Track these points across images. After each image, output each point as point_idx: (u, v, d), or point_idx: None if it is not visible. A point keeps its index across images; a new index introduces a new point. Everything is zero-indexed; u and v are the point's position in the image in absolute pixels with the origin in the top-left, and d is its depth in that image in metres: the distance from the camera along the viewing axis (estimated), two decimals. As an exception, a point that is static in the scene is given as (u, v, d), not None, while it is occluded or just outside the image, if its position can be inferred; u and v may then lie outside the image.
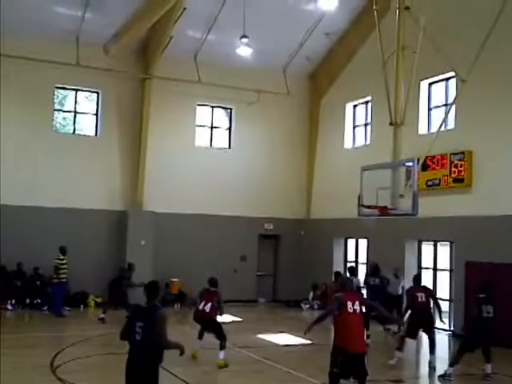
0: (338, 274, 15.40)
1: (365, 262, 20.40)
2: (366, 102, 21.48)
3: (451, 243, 17.44)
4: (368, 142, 21.21)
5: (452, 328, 16.83)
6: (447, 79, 17.77)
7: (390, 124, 13.86)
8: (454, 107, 15.97)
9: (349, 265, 20.09)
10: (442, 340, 16.34)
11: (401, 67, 13.66)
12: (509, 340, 14.28)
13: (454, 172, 16.71)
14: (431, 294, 13.28)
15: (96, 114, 21.37)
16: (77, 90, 21.27)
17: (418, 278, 13.40)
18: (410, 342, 13.46)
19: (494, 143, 15.94)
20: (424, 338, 13.68)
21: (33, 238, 19.22)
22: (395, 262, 17.54)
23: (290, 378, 11.39)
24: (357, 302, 8.31)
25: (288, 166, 23.31)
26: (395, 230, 18.02)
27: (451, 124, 17.32)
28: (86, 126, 21.62)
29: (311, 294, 21.75)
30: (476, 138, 16.36)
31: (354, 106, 22.27)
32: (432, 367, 12.39)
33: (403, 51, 13.71)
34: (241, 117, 22.98)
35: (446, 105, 17.84)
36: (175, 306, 20.21)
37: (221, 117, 23.35)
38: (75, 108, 21.36)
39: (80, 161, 20.47)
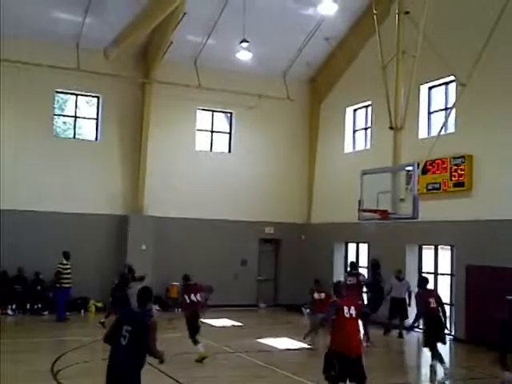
0: (316, 280, 15.34)
1: (366, 266, 20.37)
2: (366, 106, 21.48)
3: (452, 247, 17.43)
4: (368, 146, 21.21)
5: (453, 333, 16.79)
6: (447, 83, 17.77)
7: (390, 128, 13.86)
8: (454, 111, 15.97)
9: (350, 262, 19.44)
10: (445, 345, 16.29)
11: (401, 71, 13.67)
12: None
13: (455, 176, 16.70)
14: (440, 298, 12.53)
15: (96, 119, 21.39)
16: (77, 95, 21.29)
17: (426, 281, 12.73)
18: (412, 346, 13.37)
19: (494, 147, 15.94)
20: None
21: (33, 243, 19.20)
22: (396, 266, 17.50)
23: (291, 382, 11.37)
24: (352, 307, 8.47)
25: (288, 171, 23.31)
26: (396, 234, 18.01)
27: (451, 128, 17.32)
28: (87, 130, 21.65)
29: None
30: (476, 142, 16.36)
31: (354, 110, 22.27)
32: (447, 374, 11.92)
33: (403, 55, 13.73)
34: (241, 121, 23.00)
35: (445, 109, 17.83)
36: (176, 310, 20.14)
37: (221, 121, 23.36)
38: (75, 112, 21.38)
39: (80, 165, 20.47)
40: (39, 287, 19.20)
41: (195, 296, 12.93)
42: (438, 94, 18.50)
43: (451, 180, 16.79)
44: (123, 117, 21.23)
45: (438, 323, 12.04)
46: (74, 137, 21.35)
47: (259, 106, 22.52)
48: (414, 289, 14.35)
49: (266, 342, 15.28)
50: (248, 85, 22.11)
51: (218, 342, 14.51)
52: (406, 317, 16.63)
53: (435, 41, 14.17)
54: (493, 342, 11.98)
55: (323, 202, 22.74)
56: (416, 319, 13.11)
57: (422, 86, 18.21)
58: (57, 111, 21.32)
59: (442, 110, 18.22)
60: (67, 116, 21.68)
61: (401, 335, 16.69)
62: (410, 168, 12.80)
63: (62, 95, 21.44)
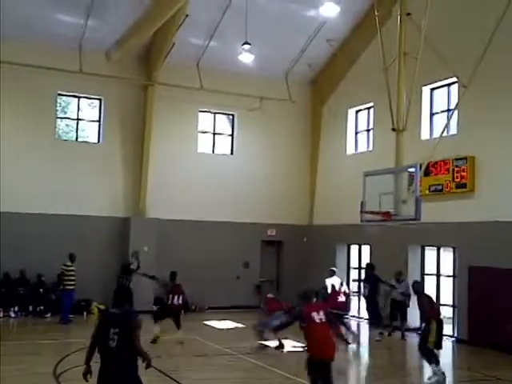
0: (268, 281, 15.63)
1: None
2: (368, 108, 21.48)
3: (454, 248, 17.41)
4: (370, 147, 21.19)
5: (456, 334, 16.77)
6: (449, 85, 17.76)
7: (393, 129, 13.88)
8: (456, 113, 15.97)
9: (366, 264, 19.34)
10: (448, 347, 16.29)
11: (403, 73, 13.68)
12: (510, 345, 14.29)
13: (457, 177, 16.68)
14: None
15: (99, 121, 21.40)
16: (79, 97, 21.31)
17: (423, 286, 12.74)
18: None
19: (496, 148, 15.92)
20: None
21: (36, 245, 19.21)
22: (398, 267, 17.48)
23: (293, 383, 11.35)
24: (321, 312, 8.58)
25: (290, 172, 23.30)
26: (398, 235, 17.95)
27: (453, 129, 17.31)
28: (89, 132, 21.67)
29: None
30: (478, 144, 16.34)
31: (356, 112, 22.27)
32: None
33: (405, 57, 13.75)
34: (243, 123, 23.01)
35: (448, 110, 17.81)
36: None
37: (223, 123, 23.36)
38: (78, 115, 21.39)
39: (83, 167, 20.48)
40: (41, 289, 19.20)
41: (178, 299, 13.15)
42: (440, 96, 18.49)
43: (453, 181, 16.77)
44: (125, 119, 21.25)
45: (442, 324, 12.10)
46: (77, 139, 21.36)
47: (261, 107, 22.53)
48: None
49: (268, 344, 15.24)
50: (250, 87, 22.12)
51: (219, 344, 14.52)
52: (406, 318, 16.73)
53: (437, 42, 14.18)
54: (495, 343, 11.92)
55: (325, 203, 22.73)
56: (430, 324, 12.10)
57: (424, 88, 18.20)
58: (59, 113, 21.37)
59: (444, 111, 18.20)
60: (70, 118, 21.75)
61: (403, 337, 16.69)
62: (412, 169, 12.81)
63: (64, 97, 21.48)
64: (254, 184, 22.59)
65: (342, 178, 21.27)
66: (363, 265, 21.02)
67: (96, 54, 20.06)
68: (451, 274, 17.62)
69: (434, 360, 11.72)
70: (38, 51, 19.41)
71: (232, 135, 23.19)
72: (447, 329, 17.12)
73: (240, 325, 18.46)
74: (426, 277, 18.28)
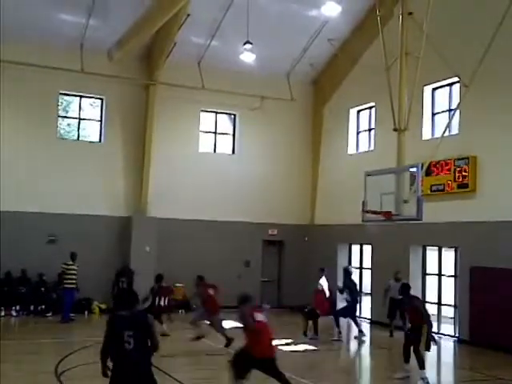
0: (200, 277, 15.49)
1: (369, 267, 20.38)
2: (370, 108, 21.47)
3: (456, 248, 17.40)
4: (372, 147, 21.18)
5: (457, 334, 16.77)
6: (451, 84, 17.74)
7: (394, 129, 13.88)
8: (457, 112, 15.96)
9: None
10: (449, 347, 16.30)
11: (404, 73, 13.68)
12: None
13: (458, 177, 16.66)
14: None
15: (100, 120, 21.42)
16: (81, 97, 21.33)
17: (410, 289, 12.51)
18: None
19: (498, 148, 15.90)
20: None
21: (37, 244, 19.25)
22: (400, 267, 17.46)
23: (294, 383, 11.33)
24: (259, 314, 9.17)
25: (292, 172, 23.30)
26: (399, 235, 17.98)
27: (455, 129, 17.30)
28: (91, 132, 21.69)
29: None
30: (480, 144, 16.33)
31: (358, 112, 22.26)
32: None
33: (406, 57, 13.74)
34: (245, 123, 23.01)
35: (449, 110, 17.81)
36: (179, 311, 20.15)
37: (225, 123, 23.37)
38: (79, 114, 21.43)
39: (84, 167, 20.50)
40: (43, 288, 19.23)
41: (164, 300, 13.27)
42: (442, 96, 18.47)
43: (455, 181, 16.75)
44: (127, 118, 21.26)
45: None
46: (78, 138, 21.38)
47: (263, 107, 22.53)
48: (415, 289, 14.29)
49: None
50: (251, 86, 22.12)
51: (221, 343, 14.49)
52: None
53: (439, 42, 14.17)
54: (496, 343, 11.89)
55: (327, 203, 22.72)
56: (431, 327, 12.04)
57: (425, 88, 18.18)
58: (61, 113, 21.38)
59: (445, 111, 18.18)
60: (71, 118, 21.77)
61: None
62: (413, 169, 12.81)
63: (66, 97, 21.49)
64: (256, 183, 22.59)
65: (344, 178, 21.26)
66: (364, 265, 21.07)
67: (97, 54, 20.07)
68: (453, 273, 17.60)
69: (424, 365, 11.57)
70: (40, 51, 19.44)
71: (233, 135, 23.20)
72: (449, 329, 17.24)
73: (241, 324, 18.40)
74: (427, 277, 18.27)
